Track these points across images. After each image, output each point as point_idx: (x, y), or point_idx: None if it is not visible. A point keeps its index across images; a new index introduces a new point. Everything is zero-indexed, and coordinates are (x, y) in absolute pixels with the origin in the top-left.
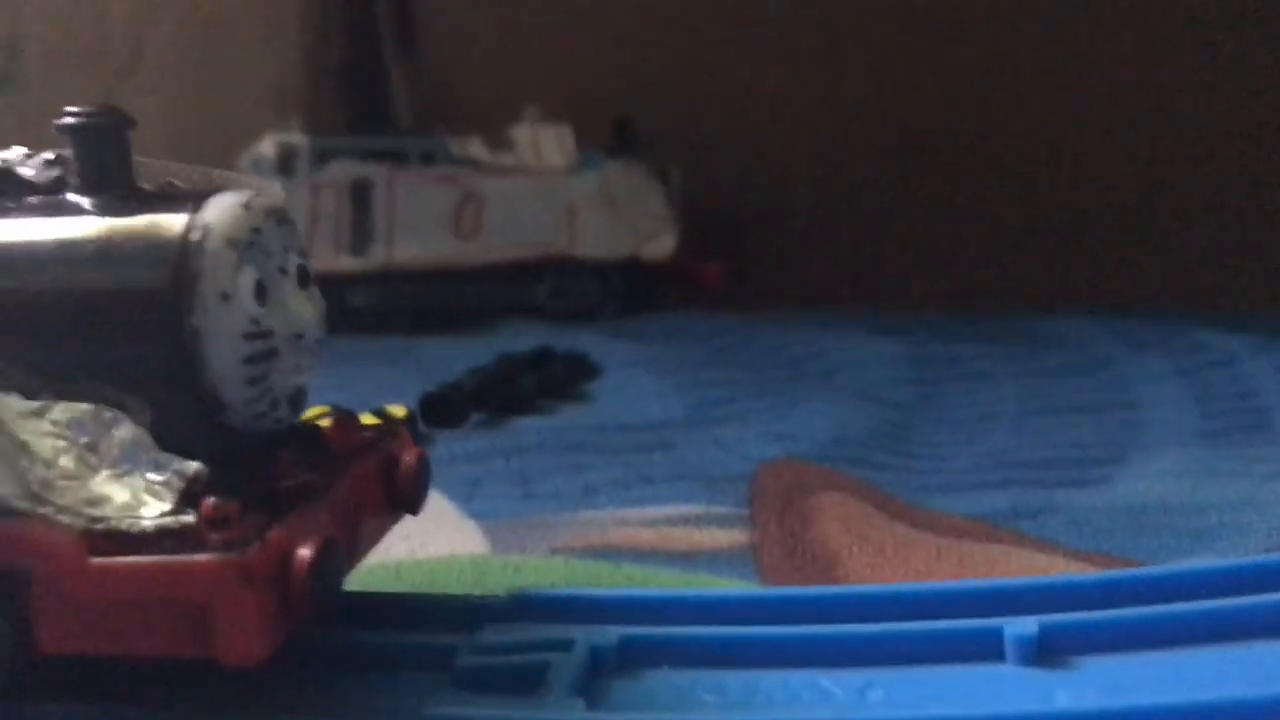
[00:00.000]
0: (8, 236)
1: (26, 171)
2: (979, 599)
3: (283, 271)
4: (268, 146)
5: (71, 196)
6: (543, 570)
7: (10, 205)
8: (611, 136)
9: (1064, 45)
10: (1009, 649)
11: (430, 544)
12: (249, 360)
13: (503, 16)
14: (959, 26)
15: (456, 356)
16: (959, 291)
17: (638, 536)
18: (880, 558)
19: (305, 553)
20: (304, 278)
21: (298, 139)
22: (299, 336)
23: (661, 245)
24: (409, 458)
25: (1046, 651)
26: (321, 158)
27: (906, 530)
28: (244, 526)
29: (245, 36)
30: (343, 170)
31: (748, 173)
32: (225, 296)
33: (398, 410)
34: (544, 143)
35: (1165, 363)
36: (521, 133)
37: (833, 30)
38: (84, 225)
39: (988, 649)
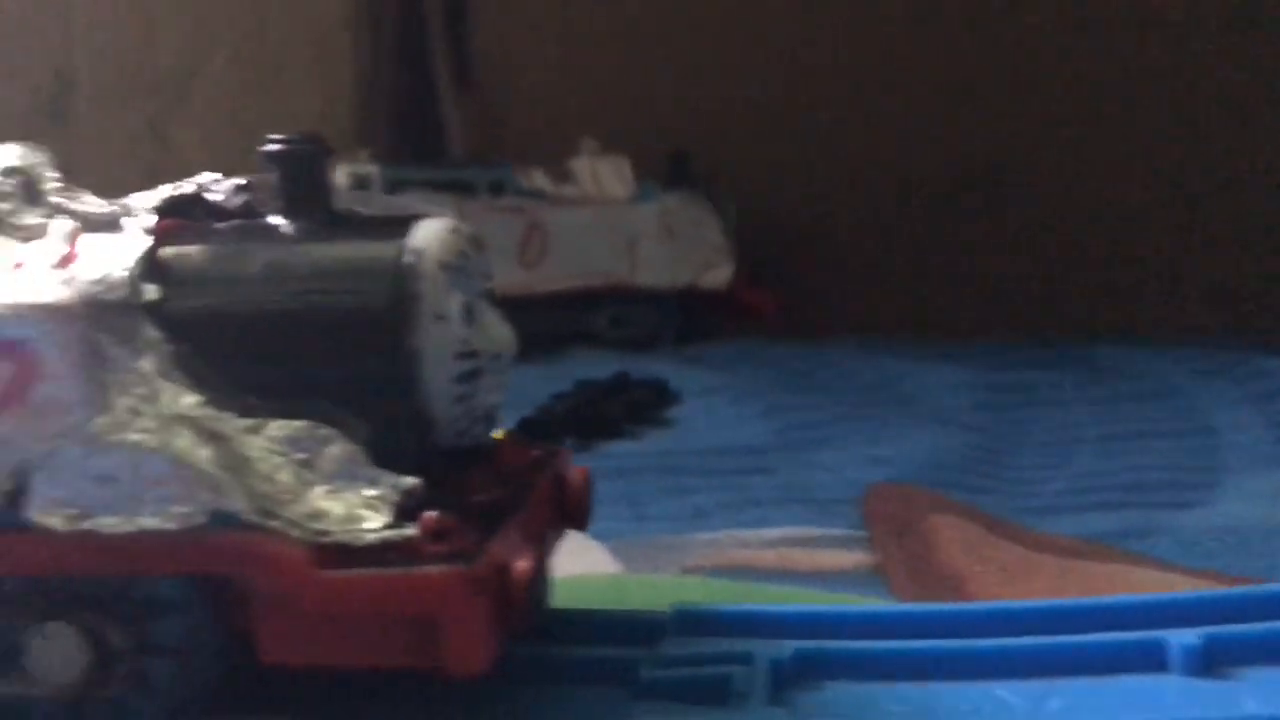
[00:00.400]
0: (223, 257)
1: (215, 196)
2: (1138, 612)
3: (479, 294)
4: (340, 176)
5: (272, 220)
6: (681, 589)
7: (218, 227)
8: (668, 169)
9: (1115, 77)
10: (1173, 660)
11: (563, 563)
12: (459, 379)
13: (557, 49)
14: (1009, 59)
15: (530, 382)
16: (1009, 320)
17: (760, 558)
18: (1004, 577)
19: (523, 566)
20: (491, 299)
21: (370, 169)
22: (497, 356)
23: (718, 275)
24: (577, 475)
25: (1210, 662)
26: (392, 188)
27: (1025, 551)
28: (463, 540)
29: (295, 69)
30: (413, 200)
31: (799, 204)
32: (440, 318)
33: (498, 434)
34: (603, 175)
35: (1234, 389)
36: (581, 165)
37: (885, 62)
38: (296, 248)
39: (1151, 660)
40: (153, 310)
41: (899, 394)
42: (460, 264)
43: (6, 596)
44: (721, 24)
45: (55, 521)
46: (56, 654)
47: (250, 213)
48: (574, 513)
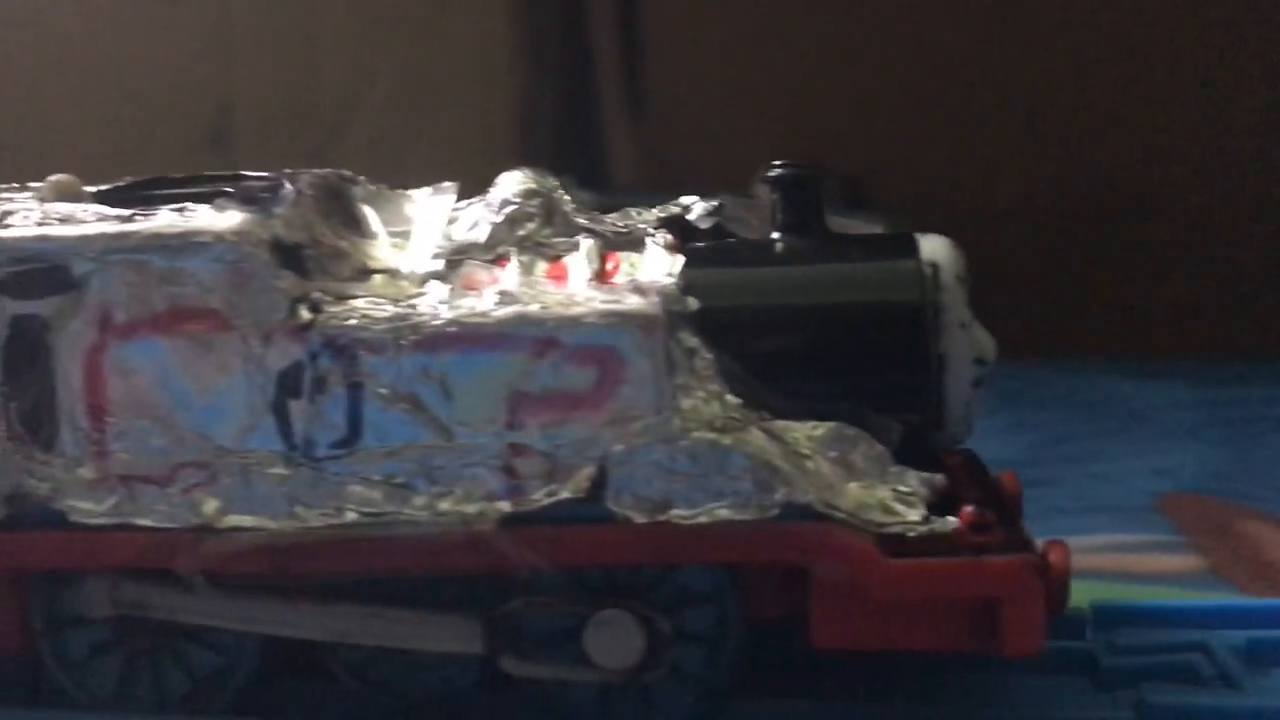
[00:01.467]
0: (747, 271)
1: (692, 217)
2: None
3: None
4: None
5: (775, 237)
6: None
7: (724, 244)
8: (841, 194)
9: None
10: None
11: None
12: (974, 384)
13: (729, 78)
14: (1168, 80)
15: None
16: (1194, 338)
17: (1096, 561)
18: None
19: (1059, 556)
20: None
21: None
22: (985, 363)
23: None
24: (1009, 479)
25: None
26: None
27: None
28: (999, 532)
29: (455, 97)
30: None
31: (971, 225)
32: (962, 325)
33: None
34: None
35: None
36: (762, 192)
37: (1051, 88)
38: (814, 262)
39: None
40: (695, 320)
41: (1130, 411)
42: (965, 276)
43: (558, 586)
44: (892, 53)
45: (634, 514)
46: (615, 640)
47: (721, 233)
48: (1011, 512)
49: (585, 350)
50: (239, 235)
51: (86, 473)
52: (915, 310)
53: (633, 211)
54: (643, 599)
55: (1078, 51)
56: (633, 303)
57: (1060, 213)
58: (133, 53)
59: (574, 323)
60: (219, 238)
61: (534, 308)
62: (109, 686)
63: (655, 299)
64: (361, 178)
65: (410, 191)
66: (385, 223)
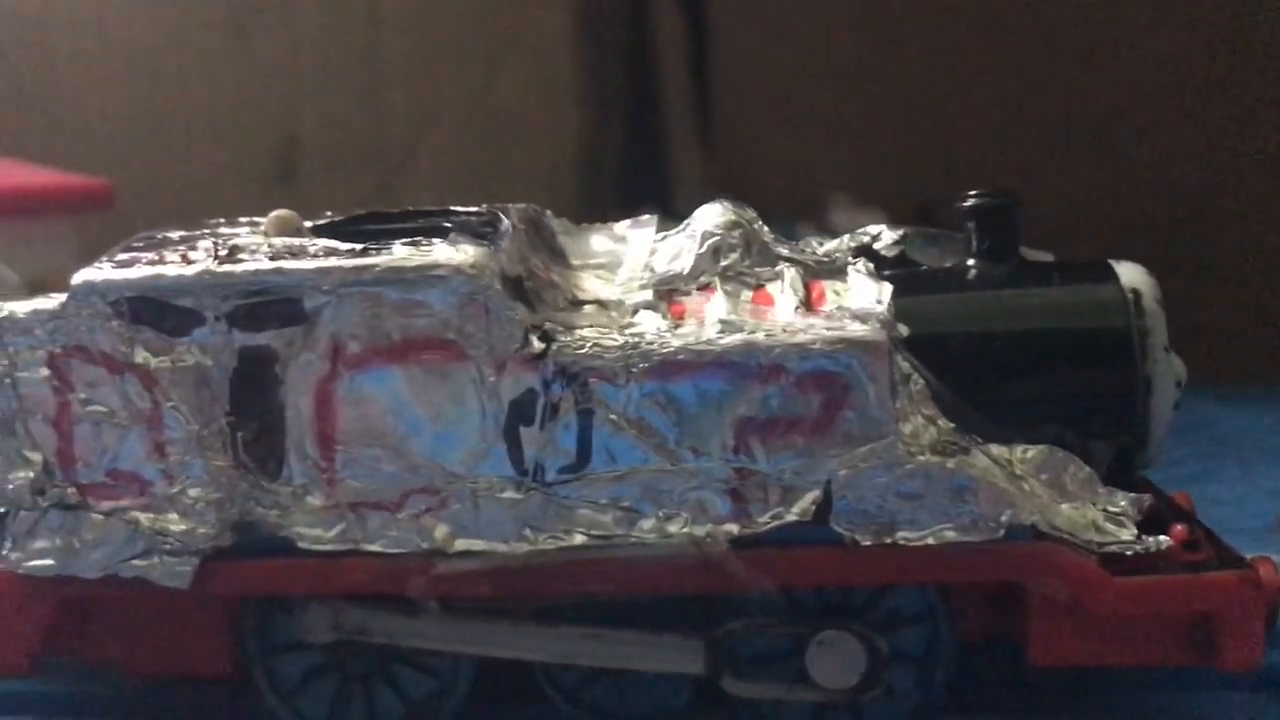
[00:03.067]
0: (951, 297)
1: (879, 246)
2: None
3: None
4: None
5: (970, 264)
6: None
7: (918, 271)
8: (914, 220)
9: None
10: None
11: None
12: (1174, 406)
13: (797, 107)
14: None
15: None
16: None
17: None
18: None
19: (1269, 571)
20: None
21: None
22: (1181, 385)
23: None
24: (1183, 499)
25: None
26: None
27: None
28: (1208, 550)
29: (521, 130)
30: None
31: (1043, 249)
32: (1166, 349)
33: None
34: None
35: None
36: (840, 220)
37: (1119, 119)
38: (1015, 289)
39: None
40: (906, 346)
41: (1218, 435)
42: (1162, 301)
43: (775, 608)
44: (961, 79)
45: (860, 536)
46: (837, 660)
47: (905, 261)
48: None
49: (812, 376)
50: (476, 268)
51: (315, 500)
52: (1124, 335)
53: (813, 241)
54: (860, 620)
55: (1146, 77)
56: (857, 329)
57: (1133, 237)
58: (201, 87)
59: (801, 349)
60: (457, 270)
61: (760, 335)
62: (321, 711)
63: (878, 325)
64: (548, 211)
65: (612, 225)
66: (573, 255)
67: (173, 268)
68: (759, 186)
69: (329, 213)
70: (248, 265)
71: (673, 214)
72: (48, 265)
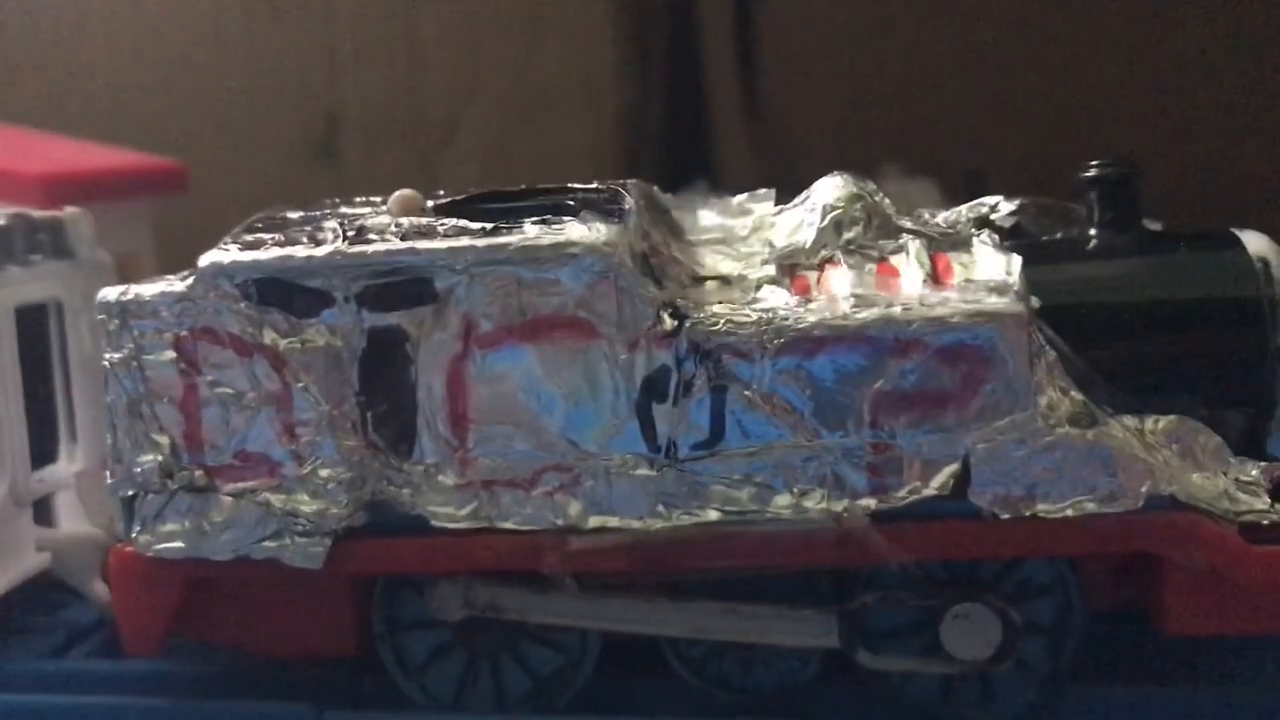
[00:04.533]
0: (1080, 268)
1: (996, 217)
2: None
3: None
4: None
5: (1093, 234)
6: None
7: (1059, 243)
8: (964, 187)
9: None
10: None
11: None
12: None
13: (842, 80)
14: None
15: None
16: None
17: None
18: None
19: None
20: None
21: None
22: None
23: None
24: None
25: None
26: None
27: None
28: None
29: (562, 105)
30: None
31: None
32: None
33: None
34: (915, 197)
35: None
36: (891, 188)
37: (1172, 93)
38: (1145, 258)
39: None
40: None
41: None
42: None
43: (907, 581)
44: (1007, 52)
45: (1000, 509)
46: (972, 632)
47: (1021, 232)
48: None
49: (950, 349)
50: (609, 246)
51: (447, 479)
52: (1256, 304)
53: (925, 213)
54: (992, 591)
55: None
56: (995, 302)
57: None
58: (240, 68)
59: (939, 323)
60: (590, 249)
61: (897, 309)
62: (449, 689)
63: (1015, 297)
64: (655, 186)
65: (726, 198)
66: (688, 230)
67: (301, 249)
68: (805, 156)
69: (441, 191)
70: (378, 246)
71: (717, 188)
72: (127, 247)
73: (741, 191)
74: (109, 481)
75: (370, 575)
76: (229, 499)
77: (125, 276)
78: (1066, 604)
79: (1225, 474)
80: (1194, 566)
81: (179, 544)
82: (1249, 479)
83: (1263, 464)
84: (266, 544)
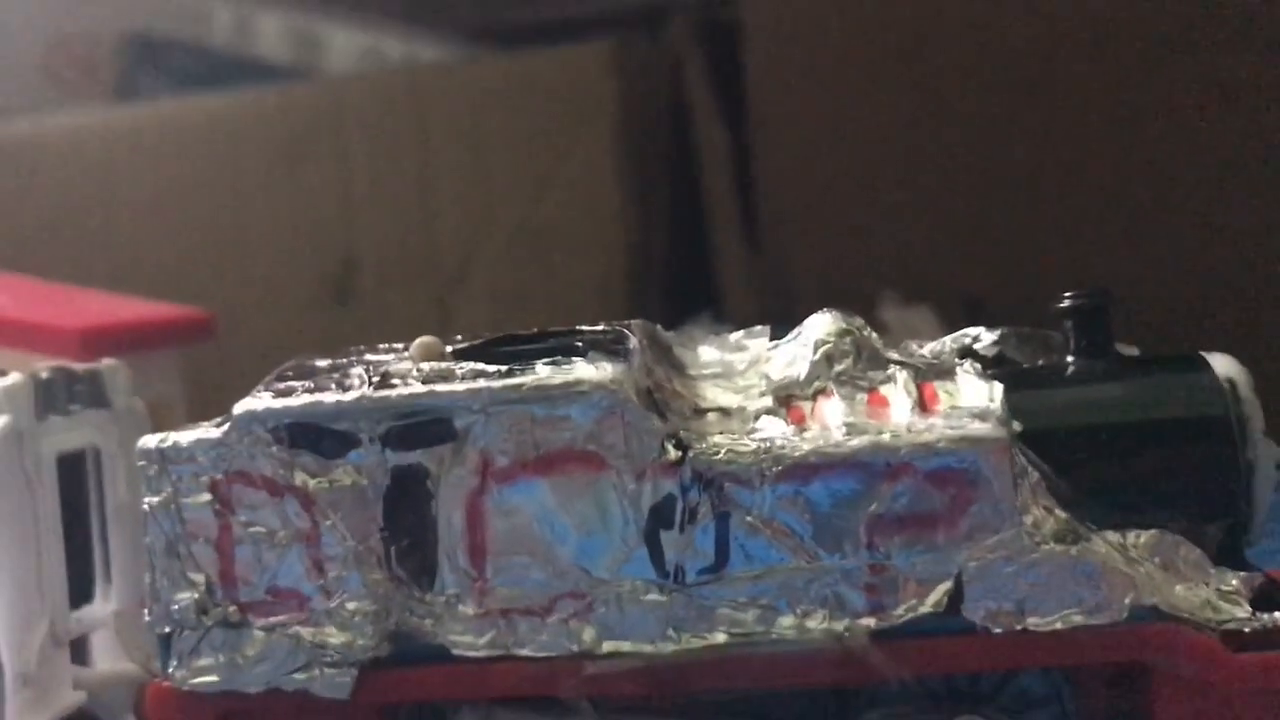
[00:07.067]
0: (1057, 393)
1: (978, 347)
2: None
3: None
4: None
5: (1070, 360)
6: None
7: (1037, 370)
8: (962, 315)
9: None
10: None
11: None
12: (1276, 488)
13: (841, 206)
14: None
15: None
16: None
17: None
18: None
19: None
20: None
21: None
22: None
23: None
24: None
25: None
26: None
27: None
28: None
29: (571, 244)
30: None
31: None
32: (1264, 435)
33: None
34: (913, 324)
35: None
36: (892, 316)
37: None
38: (1124, 383)
39: None
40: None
41: None
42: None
43: (904, 696)
44: (1005, 176)
45: (992, 624)
46: None
47: (1002, 360)
48: None
49: (938, 473)
50: (616, 384)
51: (467, 608)
52: (1224, 422)
53: (911, 345)
54: (990, 703)
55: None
56: (979, 427)
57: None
58: (259, 216)
59: (927, 448)
60: (598, 386)
61: (886, 436)
62: None
63: (997, 422)
64: (658, 325)
65: (724, 334)
66: (689, 365)
67: (330, 395)
68: (805, 288)
69: (459, 336)
70: (401, 390)
71: (722, 319)
72: (159, 395)
73: (745, 320)
74: (146, 619)
75: (395, 704)
76: (261, 633)
77: (158, 422)
78: (1062, 714)
79: (1207, 584)
80: (1179, 674)
81: (214, 677)
82: (1229, 588)
83: (1242, 573)
84: (297, 675)
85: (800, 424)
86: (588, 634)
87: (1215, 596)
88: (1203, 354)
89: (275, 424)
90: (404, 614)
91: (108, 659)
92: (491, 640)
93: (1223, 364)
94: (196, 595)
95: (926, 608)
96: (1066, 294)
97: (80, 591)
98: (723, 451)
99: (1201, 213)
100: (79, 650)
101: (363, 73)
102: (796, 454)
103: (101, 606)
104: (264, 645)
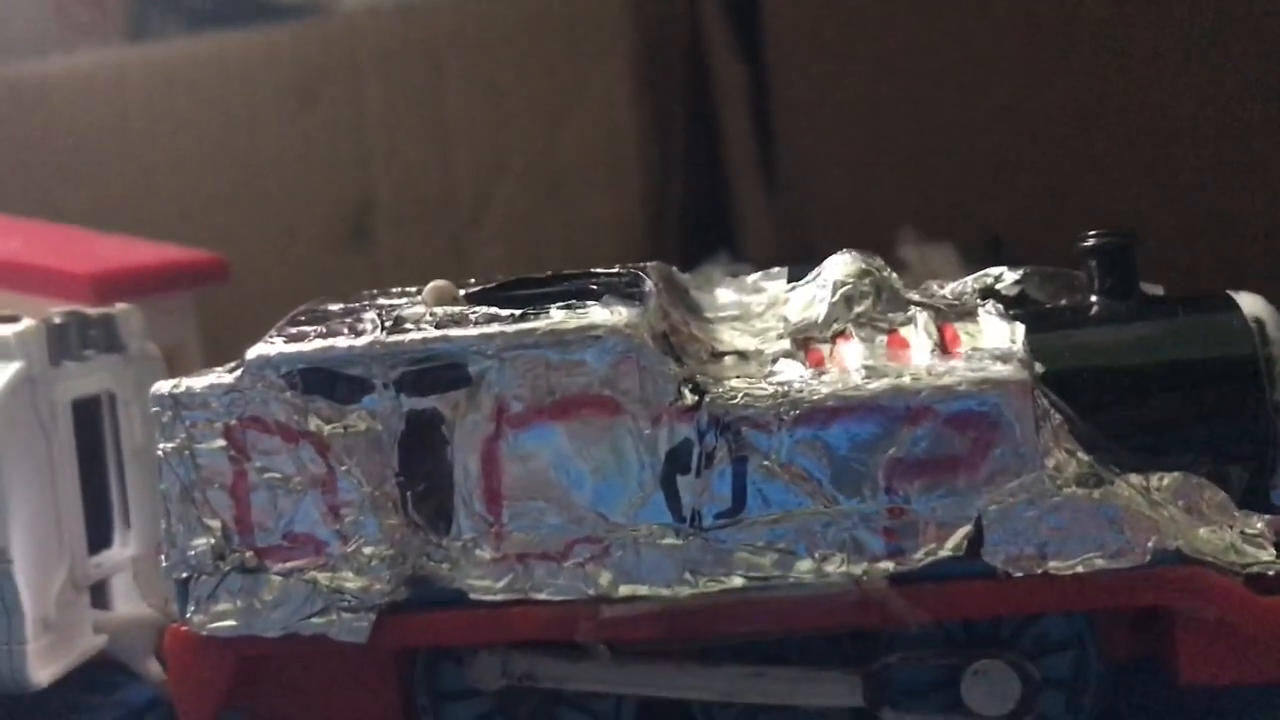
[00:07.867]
0: (1081, 333)
1: (1000, 286)
2: None
3: None
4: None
5: (1094, 300)
6: None
7: (1060, 310)
8: (983, 253)
9: None
10: None
11: None
12: None
13: (858, 143)
14: None
15: None
16: None
17: None
18: None
19: None
20: None
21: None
22: None
23: None
24: None
25: None
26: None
27: None
28: None
29: (587, 183)
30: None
31: None
32: None
33: None
34: (933, 261)
35: None
36: (911, 253)
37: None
38: (1149, 323)
39: None
40: (1042, 382)
41: None
42: None
43: (927, 640)
44: (1022, 116)
45: (1012, 568)
46: (992, 688)
47: (1025, 300)
48: None
49: (959, 416)
50: (630, 328)
51: (484, 553)
52: (1252, 363)
53: (932, 285)
54: (1010, 648)
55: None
56: (1000, 369)
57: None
58: (274, 157)
59: (947, 391)
60: (613, 330)
61: (906, 379)
62: None
63: (1019, 364)
64: (674, 268)
65: (741, 276)
66: (706, 308)
67: (342, 340)
68: (824, 226)
69: (472, 280)
70: (414, 335)
71: (739, 258)
72: (173, 338)
73: (763, 260)
74: (163, 565)
75: (412, 648)
76: (278, 578)
77: (173, 366)
78: (1084, 658)
79: (1231, 527)
80: (1202, 618)
81: (231, 622)
82: (1254, 531)
83: (1267, 516)
84: (314, 620)
85: (819, 367)
86: (604, 578)
87: (1239, 540)
88: (1230, 293)
89: (288, 369)
90: (420, 559)
91: (128, 603)
92: (508, 585)
93: (1250, 303)
94: (213, 541)
95: (946, 551)
96: (1090, 232)
97: (99, 536)
98: (740, 395)
99: (1229, 150)
100: (99, 595)
101: (376, 9)
102: (815, 398)
103: (120, 551)
104: (281, 590)
